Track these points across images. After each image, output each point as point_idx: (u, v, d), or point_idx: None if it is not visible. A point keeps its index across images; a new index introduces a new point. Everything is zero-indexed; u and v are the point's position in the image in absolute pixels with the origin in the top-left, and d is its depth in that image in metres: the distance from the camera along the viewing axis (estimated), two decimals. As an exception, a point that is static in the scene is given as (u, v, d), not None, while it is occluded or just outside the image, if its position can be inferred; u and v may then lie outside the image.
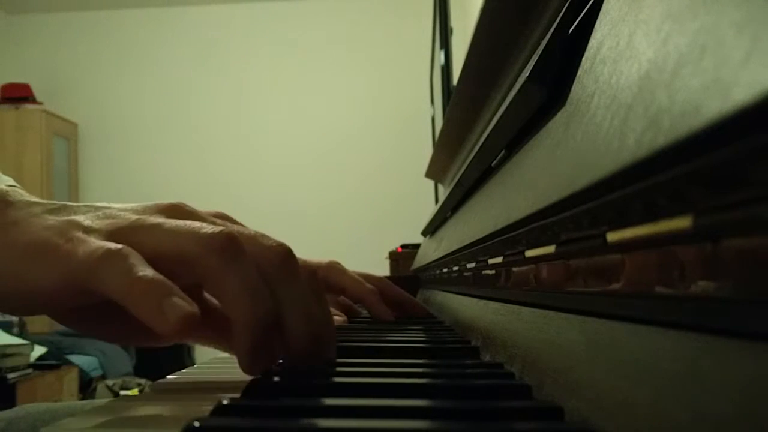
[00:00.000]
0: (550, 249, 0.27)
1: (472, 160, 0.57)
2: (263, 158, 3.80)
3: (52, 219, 0.32)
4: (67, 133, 3.83)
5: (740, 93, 0.12)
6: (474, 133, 0.82)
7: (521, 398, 0.26)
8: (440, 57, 1.86)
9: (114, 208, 0.33)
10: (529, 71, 0.34)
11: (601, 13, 0.27)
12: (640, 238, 0.18)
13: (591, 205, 0.21)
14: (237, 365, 0.29)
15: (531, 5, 0.46)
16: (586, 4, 0.31)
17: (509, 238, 0.35)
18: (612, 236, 0.20)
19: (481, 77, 0.66)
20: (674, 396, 0.15)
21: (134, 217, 0.32)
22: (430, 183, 2.18)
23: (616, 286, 0.20)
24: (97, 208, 0.33)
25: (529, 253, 0.31)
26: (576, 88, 0.27)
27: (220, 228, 0.30)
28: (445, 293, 0.77)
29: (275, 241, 0.32)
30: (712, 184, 0.14)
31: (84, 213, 0.32)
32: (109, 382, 3.02)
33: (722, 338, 0.14)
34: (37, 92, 3.73)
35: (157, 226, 0.31)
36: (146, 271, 0.27)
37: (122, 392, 2.77)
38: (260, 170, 3.79)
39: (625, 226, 0.19)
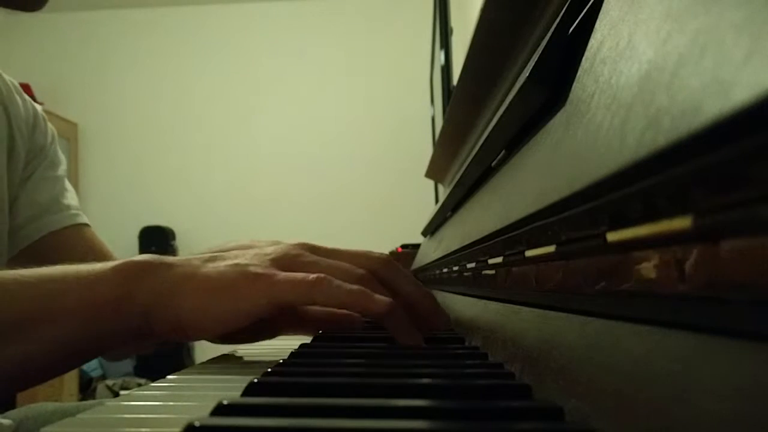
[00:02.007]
0: (550, 249, 0.27)
1: (472, 160, 0.57)
2: (263, 158, 3.79)
3: (220, 266, 0.41)
4: (67, 133, 3.82)
5: (740, 93, 0.12)
6: (474, 133, 0.82)
7: (521, 398, 0.26)
8: (440, 57, 1.85)
9: (258, 252, 0.43)
10: (529, 71, 0.34)
11: (601, 13, 0.27)
12: (640, 238, 0.18)
13: (591, 205, 0.21)
14: (235, 366, 0.29)
15: (531, 5, 0.46)
16: (586, 4, 0.31)
17: (509, 238, 0.35)
18: (612, 236, 0.20)
19: (481, 77, 0.66)
20: (674, 396, 0.15)
21: (291, 252, 0.44)
22: (430, 183, 2.17)
23: (616, 286, 0.20)
24: (242, 254, 0.43)
25: (529, 253, 0.31)
26: (576, 88, 0.27)
27: (361, 271, 0.44)
28: (445, 293, 0.77)
29: (381, 255, 0.47)
30: (712, 184, 0.14)
31: (238, 258, 0.42)
32: (109, 382, 3.02)
33: (722, 338, 0.14)
34: (37, 92, 3.73)
35: (315, 263, 0.43)
36: (349, 286, 0.40)
37: (122, 392, 2.76)
38: (261, 169, 3.78)
39: (625, 226, 0.19)
